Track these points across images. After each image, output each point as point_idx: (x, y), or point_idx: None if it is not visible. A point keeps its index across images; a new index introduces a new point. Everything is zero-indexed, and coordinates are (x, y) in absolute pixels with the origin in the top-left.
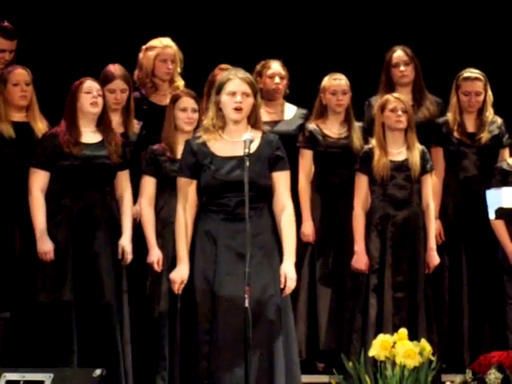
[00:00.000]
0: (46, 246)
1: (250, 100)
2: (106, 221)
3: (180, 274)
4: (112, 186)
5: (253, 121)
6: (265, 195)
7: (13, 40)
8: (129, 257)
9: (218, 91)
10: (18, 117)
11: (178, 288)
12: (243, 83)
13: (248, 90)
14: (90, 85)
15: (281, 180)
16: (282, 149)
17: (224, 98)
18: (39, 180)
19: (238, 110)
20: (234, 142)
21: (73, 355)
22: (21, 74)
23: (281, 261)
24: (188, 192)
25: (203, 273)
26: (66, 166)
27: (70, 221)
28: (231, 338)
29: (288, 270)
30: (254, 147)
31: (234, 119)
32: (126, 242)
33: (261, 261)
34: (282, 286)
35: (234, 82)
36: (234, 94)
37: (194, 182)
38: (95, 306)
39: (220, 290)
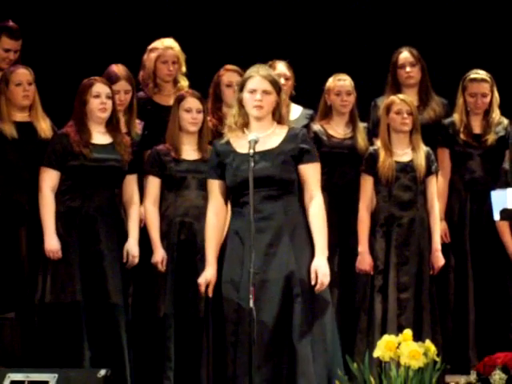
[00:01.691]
0: (53, 245)
1: (272, 97)
2: (113, 222)
3: (205, 277)
4: (120, 189)
5: (277, 117)
6: (289, 189)
7: (18, 40)
8: (135, 260)
9: (241, 88)
10: (21, 117)
11: (203, 291)
12: (264, 81)
13: (269, 87)
14: (99, 89)
15: (308, 172)
16: (307, 141)
17: (245, 95)
18: (50, 179)
19: (257, 107)
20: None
21: (84, 355)
22: (23, 73)
23: (312, 256)
24: (216, 193)
25: (230, 276)
26: (77, 167)
27: (77, 221)
28: (258, 339)
29: (319, 265)
30: (277, 142)
31: (255, 116)
32: (131, 245)
33: (290, 256)
34: (313, 282)
35: (255, 80)
36: (254, 91)
37: (222, 183)
38: (101, 306)
39: (246, 290)
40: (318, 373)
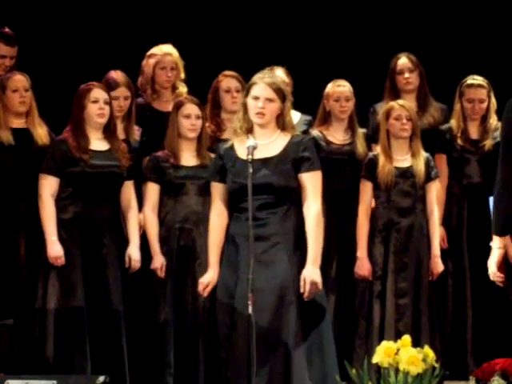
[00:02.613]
0: (56, 251)
1: (275, 105)
2: (114, 229)
3: (206, 279)
4: (119, 195)
5: (281, 124)
6: (288, 197)
7: (13, 46)
8: (137, 264)
9: (246, 94)
10: (18, 123)
11: (202, 291)
12: (267, 88)
13: (272, 95)
14: (98, 94)
15: (307, 181)
16: (309, 149)
17: (249, 101)
18: (49, 186)
19: (259, 114)
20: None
21: (87, 361)
22: (20, 80)
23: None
24: (219, 196)
25: (225, 281)
26: (77, 173)
27: (79, 228)
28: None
29: (308, 273)
30: (279, 149)
31: (256, 123)
32: (133, 250)
33: (285, 264)
34: (301, 290)
35: (259, 87)
36: (257, 98)
37: (224, 186)
38: (103, 312)
39: (240, 297)
40: (313, 379)
